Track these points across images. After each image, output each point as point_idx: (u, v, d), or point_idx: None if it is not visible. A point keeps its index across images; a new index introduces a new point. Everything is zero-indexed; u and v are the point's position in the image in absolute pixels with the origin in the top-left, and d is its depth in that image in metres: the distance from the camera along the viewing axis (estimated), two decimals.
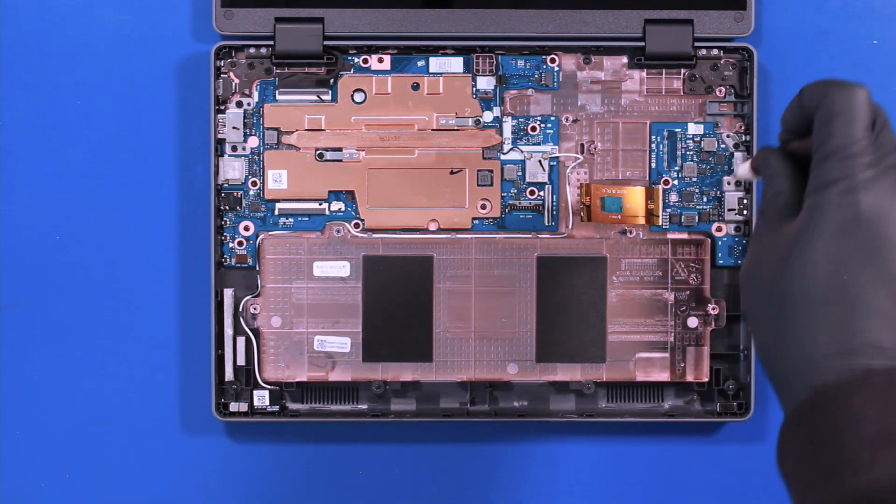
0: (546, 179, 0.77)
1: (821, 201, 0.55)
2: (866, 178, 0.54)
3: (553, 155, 0.77)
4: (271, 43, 0.75)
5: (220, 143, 0.76)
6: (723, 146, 0.77)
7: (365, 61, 0.76)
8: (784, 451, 0.54)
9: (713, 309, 0.77)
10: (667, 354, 0.77)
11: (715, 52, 0.76)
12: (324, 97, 0.76)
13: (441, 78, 0.77)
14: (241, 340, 0.77)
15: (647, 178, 0.77)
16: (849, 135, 0.55)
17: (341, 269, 0.77)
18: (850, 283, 0.53)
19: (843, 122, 0.55)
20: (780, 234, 0.56)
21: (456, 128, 0.77)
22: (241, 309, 0.77)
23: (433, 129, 0.77)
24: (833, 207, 0.54)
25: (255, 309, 0.77)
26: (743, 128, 0.76)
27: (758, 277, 0.56)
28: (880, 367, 0.52)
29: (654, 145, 0.77)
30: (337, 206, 0.77)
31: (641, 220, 0.75)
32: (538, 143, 0.77)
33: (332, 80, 0.76)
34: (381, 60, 0.76)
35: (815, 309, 0.54)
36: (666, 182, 0.77)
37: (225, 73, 0.76)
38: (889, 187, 0.54)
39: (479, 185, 0.77)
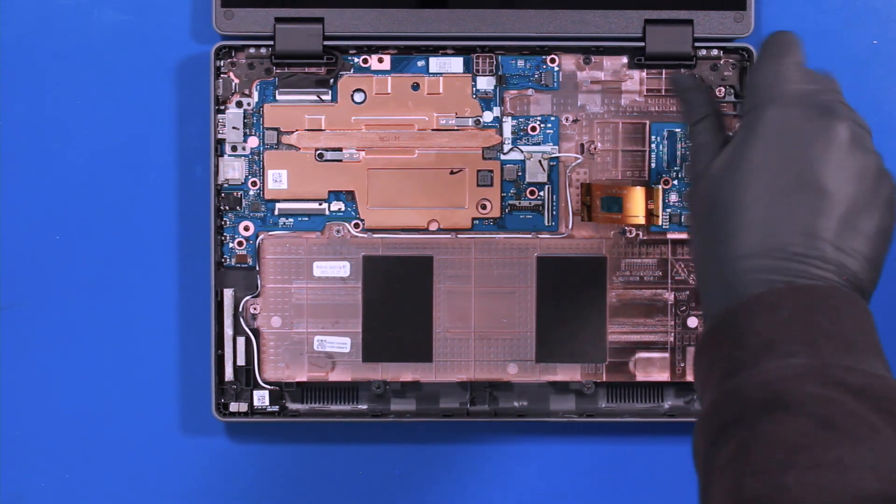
0: (546, 179, 0.77)
1: (752, 117, 0.59)
2: (791, 93, 0.59)
3: (553, 155, 0.77)
4: (271, 43, 0.75)
5: (220, 143, 0.76)
6: None
7: (365, 61, 0.76)
8: (697, 364, 0.59)
9: None
10: (667, 354, 0.77)
11: (715, 52, 0.76)
12: (324, 97, 0.76)
13: (441, 78, 0.77)
14: (241, 340, 0.77)
15: (647, 178, 0.77)
16: (780, 61, 0.60)
17: (341, 269, 0.77)
18: (771, 188, 0.58)
19: (774, 55, 0.61)
20: (717, 154, 0.61)
21: (456, 128, 0.77)
22: (241, 309, 0.77)
23: (433, 129, 0.77)
24: (761, 121, 0.59)
25: (255, 309, 0.77)
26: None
27: (697, 197, 0.61)
28: (778, 281, 0.57)
29: (654, 145, 0.77)
30: (337, 206, 0.77)
31: (641, 220, 0.75)
32: (538, 143, 0.77)
33: (332, 80, 0.76)
34: (381, 60, 0.76)
35: (742, 212, 0.58)
36: (666, 182, 0.77)
37: (225, 73, 0.76)
38: (810, 109, 0.59)
39: (479, 185, 0.77)
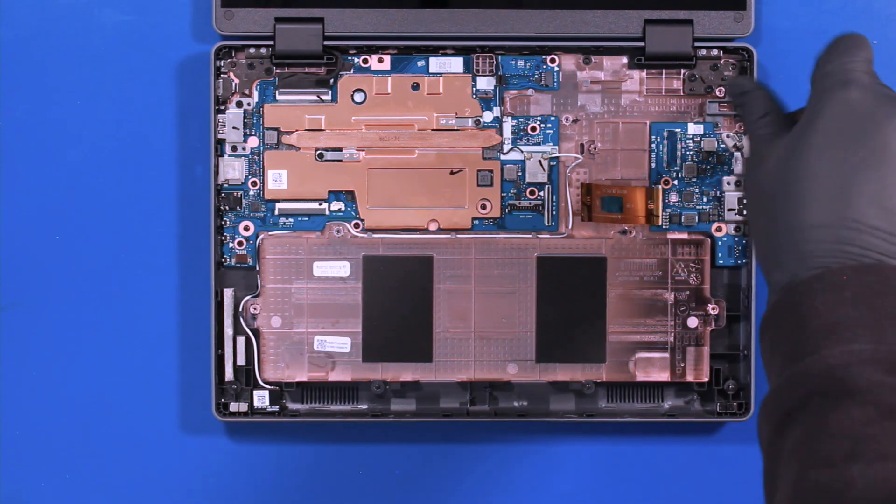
0: (546, 179, 0.77)
1: (821, 99, 0.59)
2: (864, 81, 0.59)
3: (553, 155, 0.77)
4: (271, 43, 0.75)
5: (220, 143, 0.76)
6: (723, 146, 0.77)
7: (365, 61, 0.76)
8: (762, 343, 0.58)
9: (713, 309, 0.77)
10: (667, 354, 0.77)
11: (715, 52, 0.76)
12: (324, 97, 0.76)
13: (441, 78, 0.77)
14: (241, 340, 0.77)
15: (647, 178, 0.77)
16: (852, 55, 0.60)
17: (341, 269, 0.77)
18: (845, 164, 0.57)
19: (846, 50, 0.60)
20: (782, 138, 0.60)
21: (456, 128, 0.77)
22: (241, 309, 0.77)
23: (433, 129, 0.77)
24: (833, 102, 0.58)
25: (255, 309, 0.77)
26: (743, 128, 0.76)
27: (763, 174, 0.60)
28: (851, 253, 0.56)
29: (654, 145, 0.77)
30: (337, 206, 0.77)
31: (641, 220, 0.75)
32: (538, 143, 0.77)
33: (332, 80, 0.76)
34: (381, 60, 0.76)
35: (813, 183, 0.57)
36: (666, 182, 0.77)
37: (225, 73, 0.76)
38: (883, 97, 0.58)
39: (479, 185, 0.77)
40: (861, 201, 0.56)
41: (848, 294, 0.55)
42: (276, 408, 0.77)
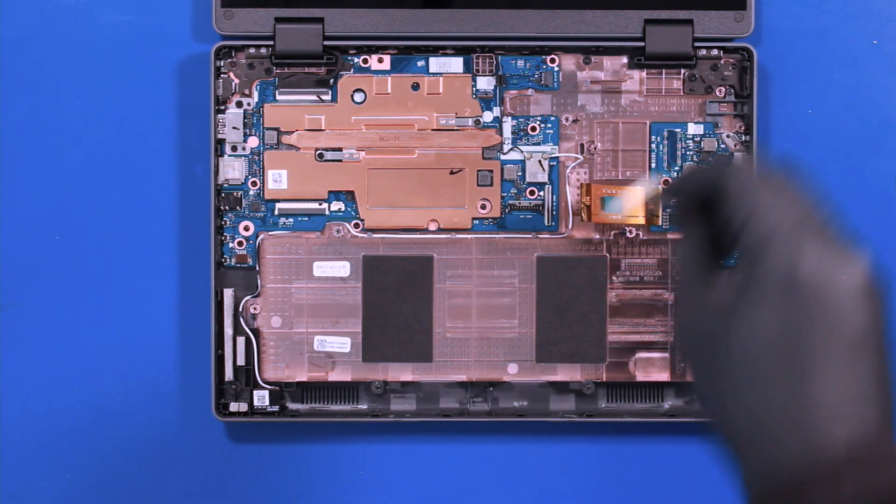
0: (546, 179, 0.77)
1: (756, 273, 0.50)
2: (798, 247, 0.50)
3: (553, 155, 0.77)
4: (271, 43, 0.75)
5: (220, 143, 0.76)
6: (723, 146, 0.77)
7: (365, 61, 0.76)
8: None
9: None
10: (667, 354, 0.77)
11: (715, 52, 0.76)
12: (324, 97, 0.76)
13: (441, 78, 0.77)
14: (241, 340, 0.77)
15: (648, 179, 0.77)
16: (771, 214, 0.51)
17: (341, 269, 0.77)
18: (798, 350, 0.49)
19: (758, 202, 0.51)
20: (711, 300, 0.52)
21: (456, 128, 0.77)
22: (241, 309, 0.77)
23: (433, 129, 0.77)
24: (771, 277, 0.50)
25: (255, 309, 0.77)
26: (743, 128, 0.77)
27: (696, 344, 0.52)
28: (810, 471, 0.49)
29: (654, 145, 0.77)
30: (337, 206, 0.77)
31: (641, 220, 0.75)
32: (538, 143, 0.77)
33: (332, 80, 0.76)
34: (381, 60, 0.76)
35: (766, 380, 0.50)
36: (666, 182, 0.77)
37: (225, 73, 0.76)
38: (822, 249, 0.50)
39: (479, 185, 0.77)
40: (824, 395, 0.49)
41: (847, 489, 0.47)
42: (276, 408, 0.77)
